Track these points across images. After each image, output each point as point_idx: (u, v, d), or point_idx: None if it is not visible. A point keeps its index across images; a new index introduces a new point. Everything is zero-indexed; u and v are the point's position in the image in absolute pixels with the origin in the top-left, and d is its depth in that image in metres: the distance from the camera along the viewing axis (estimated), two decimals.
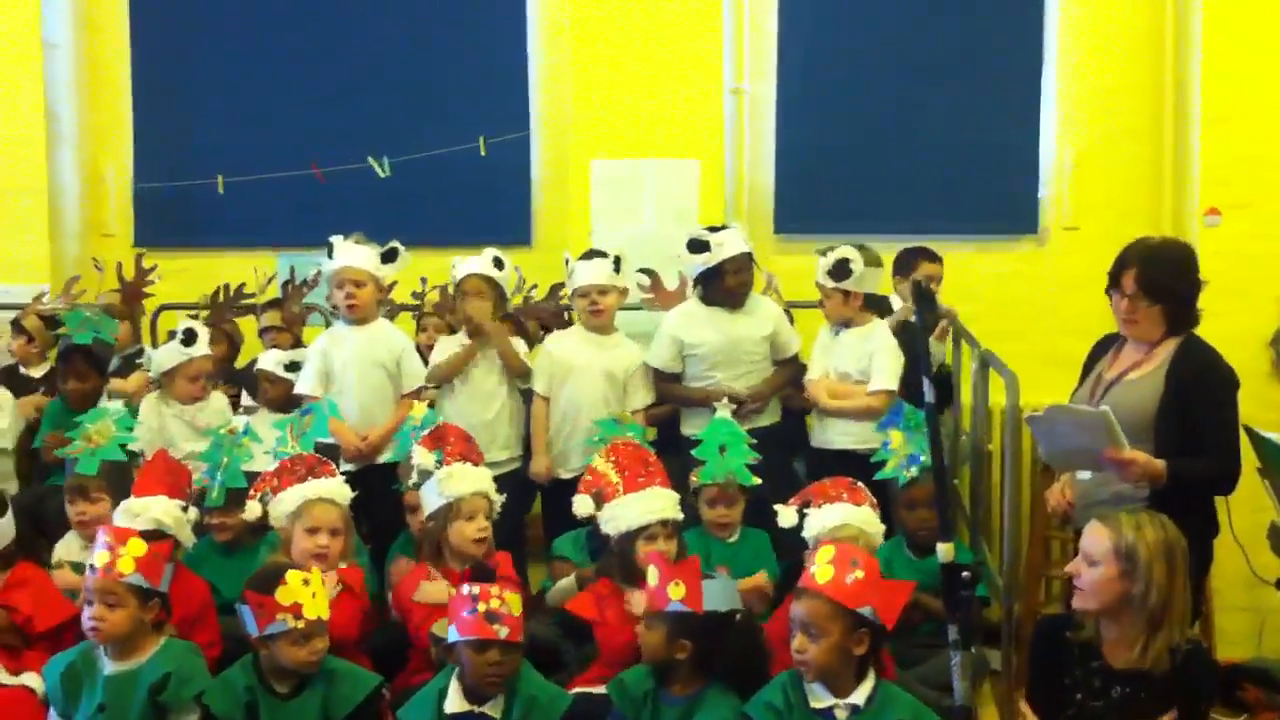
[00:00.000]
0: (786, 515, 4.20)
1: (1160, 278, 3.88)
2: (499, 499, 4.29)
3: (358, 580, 4.14)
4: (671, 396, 5.23)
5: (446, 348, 5.17)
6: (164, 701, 3.60)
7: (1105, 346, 4.14)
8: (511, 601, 3.52)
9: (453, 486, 4.19)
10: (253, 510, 4.30)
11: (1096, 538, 3.31)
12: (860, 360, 5.04)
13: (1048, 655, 3.43)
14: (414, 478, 4.45)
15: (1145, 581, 3.22)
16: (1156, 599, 3.23)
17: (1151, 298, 3.87)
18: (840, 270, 5.03)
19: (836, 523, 4.03)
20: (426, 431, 4.54)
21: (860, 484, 4.27)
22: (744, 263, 5.15)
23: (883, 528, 4.17)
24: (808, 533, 4.10)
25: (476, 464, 4.34)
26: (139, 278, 6.11)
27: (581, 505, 4.35)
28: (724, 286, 5.14)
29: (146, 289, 6.13)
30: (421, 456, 4.43)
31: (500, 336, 5.11)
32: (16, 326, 5.85)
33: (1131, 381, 3.91)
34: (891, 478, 4.57)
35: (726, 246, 5.10)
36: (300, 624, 3.53)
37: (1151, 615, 3.24)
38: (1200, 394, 3.81)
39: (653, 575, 3.61)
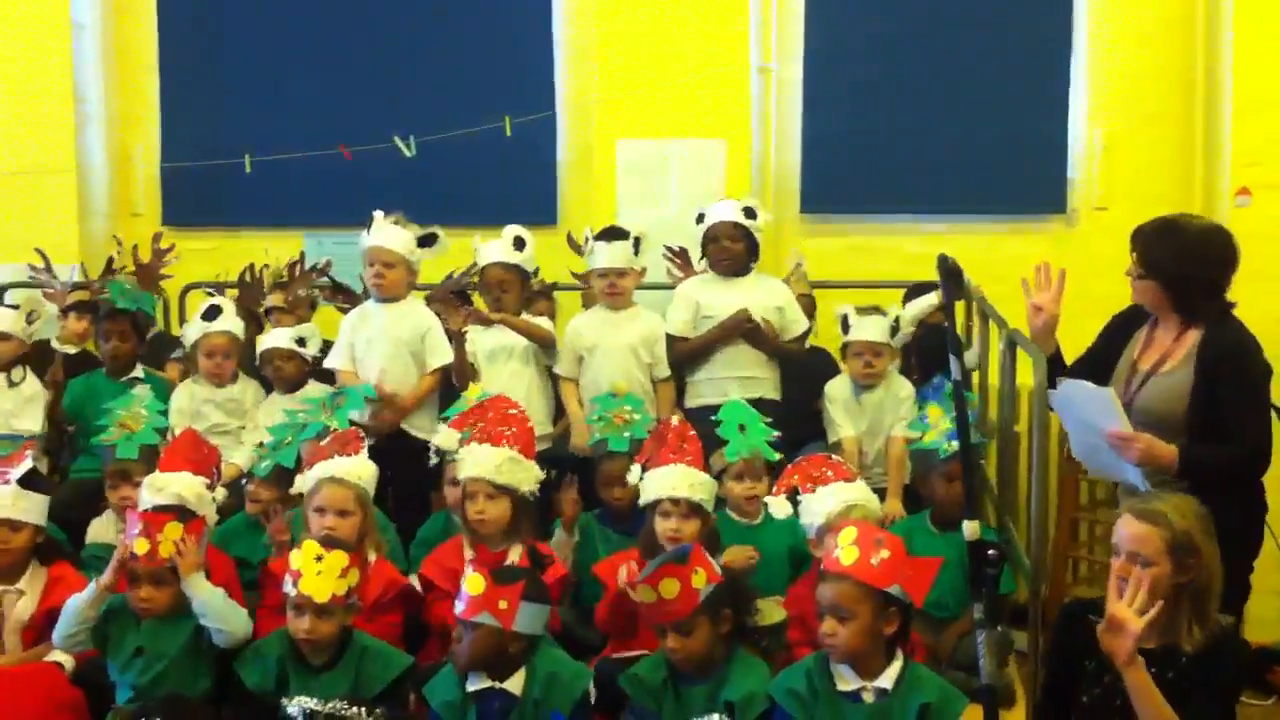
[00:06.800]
0: (779, 506, 4.14)
1: (1156, 255, 3.90)
2: (527, 480, 4.28)
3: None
4: (687, 352, 5.21)
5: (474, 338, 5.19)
6: None
7: (1131, 320, 4.11)
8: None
9: (460, 468, 4.27)
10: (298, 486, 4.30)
11: (1143, 537, 3.19)
12: (900, 412, 5.12)
13: (1071, 639, 3.38)
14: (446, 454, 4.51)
15: (1201, 567, 3.17)
16: (1205, 579, 3.19)
17: (1147, 272, 3.90)
18: (896, 328, 5.20)
19: (841, 507, 3.95)
20: (465, 409, 4.53)
21: (834, 456, 4.32)
22: (725, 231, 5.18)
23: (875, 496, 4.19)
24: (812, 520, 4.02)
25: (497, 445, 4.28)
26: (155, 259, 5.95)
27: (632, 475, 4.35)
28: (709, 253, 5.24)
29: (164, 270, 5.99)
30: (445, 437, 4.47)
31: (513, 322, 5.13)
32: (78, 308, 5.78)
33: (1163, 375, 3.88)
34: (931, 449, 4.54)
35: (714, 214, 5.21)
36: (293, 593, 3.57)
37: (1198, 596, 3.19)
38: (1225, 378, 3.77)
39: (647, 593, 3.53)
